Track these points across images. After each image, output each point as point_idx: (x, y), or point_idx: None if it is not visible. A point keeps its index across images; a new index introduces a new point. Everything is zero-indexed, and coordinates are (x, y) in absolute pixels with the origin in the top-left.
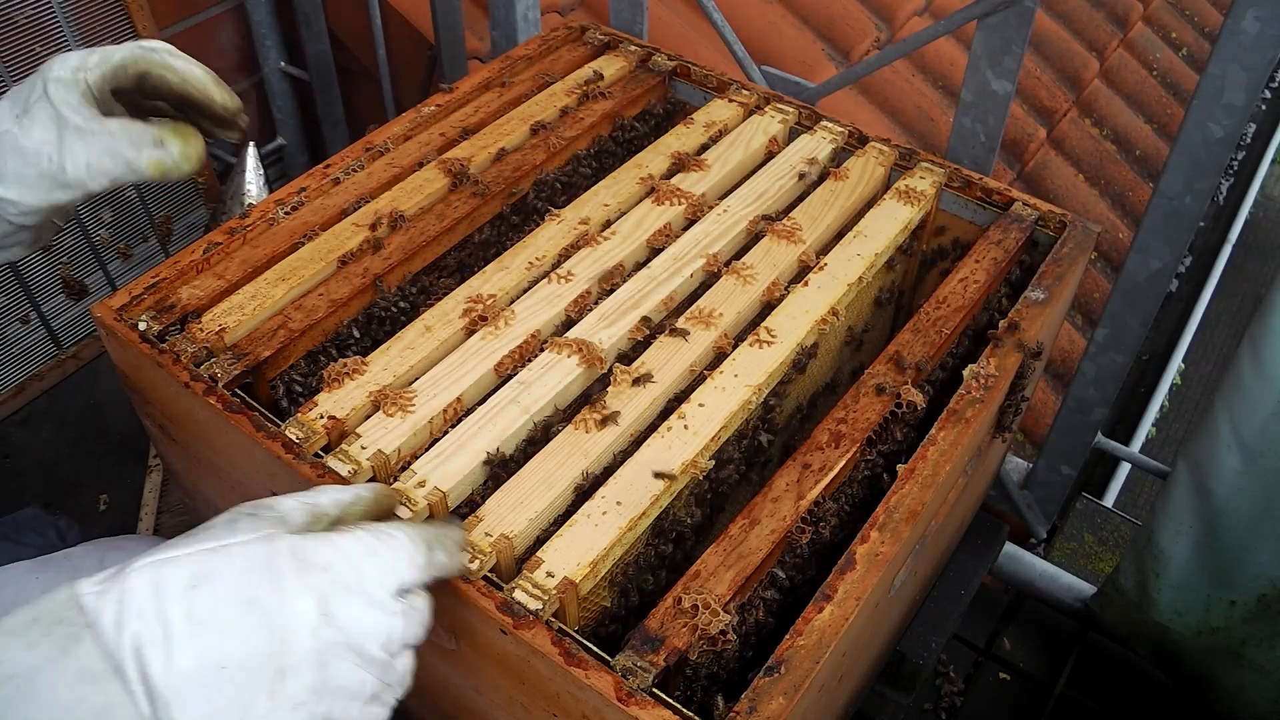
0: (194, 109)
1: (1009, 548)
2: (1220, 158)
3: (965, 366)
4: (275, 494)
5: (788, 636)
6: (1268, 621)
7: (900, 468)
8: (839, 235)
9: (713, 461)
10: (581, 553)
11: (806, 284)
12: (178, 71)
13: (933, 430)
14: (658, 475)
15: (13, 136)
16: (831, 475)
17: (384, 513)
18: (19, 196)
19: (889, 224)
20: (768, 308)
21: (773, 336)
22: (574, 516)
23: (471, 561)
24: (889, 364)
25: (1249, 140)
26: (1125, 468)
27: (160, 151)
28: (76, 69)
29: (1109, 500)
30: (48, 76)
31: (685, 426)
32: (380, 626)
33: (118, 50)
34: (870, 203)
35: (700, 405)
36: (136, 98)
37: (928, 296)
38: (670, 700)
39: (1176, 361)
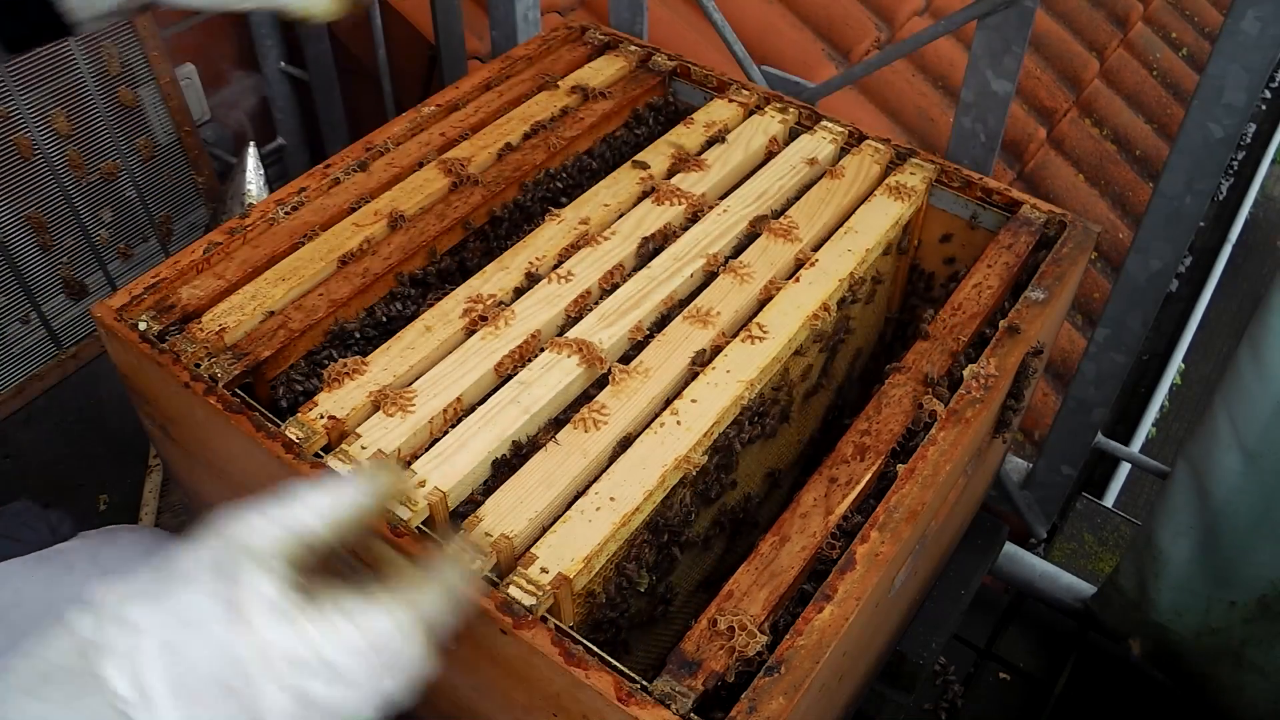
0: None
1: (1009, 548)
2: (1220, 158)
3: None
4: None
5: (788, 636)
6: (1268, 622)
7: (900, 468)
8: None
9: (705, 456)
10: (575, 549)
11: (798, 280)
12: None
13: (933, 430)
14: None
15: None
16: (859, 488)
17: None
18: None
19: (880, 219)
20: (764, 306)
21: (764, 332)
22: (568, 513)
23: (472, 562)
24: (910, 374)
25: (1249, 140)
26: (1125, 468)
27: None
28: None
29: (1109, 500)
30: None
31: (678, 422)
32: (359, 697)
33: None
34: (865, 200)
35: (693, 401)
36: None
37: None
38: None
39: (1176, 361)
